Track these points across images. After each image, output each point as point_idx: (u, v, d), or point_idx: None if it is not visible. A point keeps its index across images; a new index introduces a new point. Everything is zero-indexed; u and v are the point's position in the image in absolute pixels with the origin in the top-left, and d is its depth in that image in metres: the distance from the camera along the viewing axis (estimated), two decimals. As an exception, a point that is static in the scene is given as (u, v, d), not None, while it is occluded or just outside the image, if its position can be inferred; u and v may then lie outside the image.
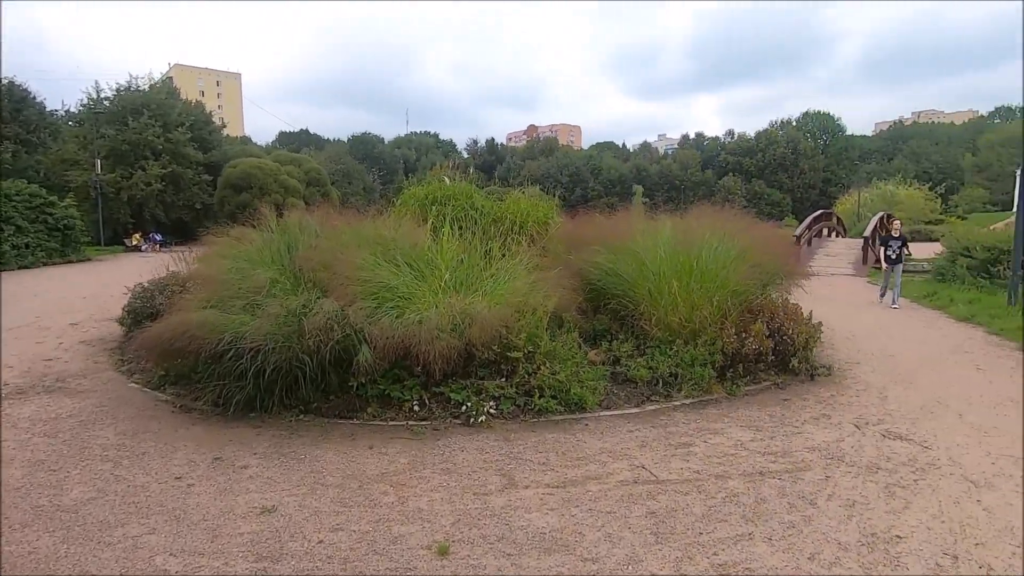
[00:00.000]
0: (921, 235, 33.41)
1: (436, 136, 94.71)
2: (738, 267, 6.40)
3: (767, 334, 6.22)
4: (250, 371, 5.07)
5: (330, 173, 51.10)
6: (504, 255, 7.11)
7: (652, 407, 5.61)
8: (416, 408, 5.31)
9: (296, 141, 78.92)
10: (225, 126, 52.31)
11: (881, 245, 13.04)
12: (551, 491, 3.80)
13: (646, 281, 6.56)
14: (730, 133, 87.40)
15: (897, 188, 46.84)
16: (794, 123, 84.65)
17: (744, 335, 6.06)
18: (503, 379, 5.52)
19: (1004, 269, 13.41)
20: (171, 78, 55.16)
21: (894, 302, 12.24)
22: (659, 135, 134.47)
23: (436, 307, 5.58)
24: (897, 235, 12.76)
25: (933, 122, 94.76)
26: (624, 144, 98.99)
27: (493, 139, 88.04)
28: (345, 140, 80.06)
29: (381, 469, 4.17)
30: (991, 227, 26.32)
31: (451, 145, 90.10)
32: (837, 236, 28.05)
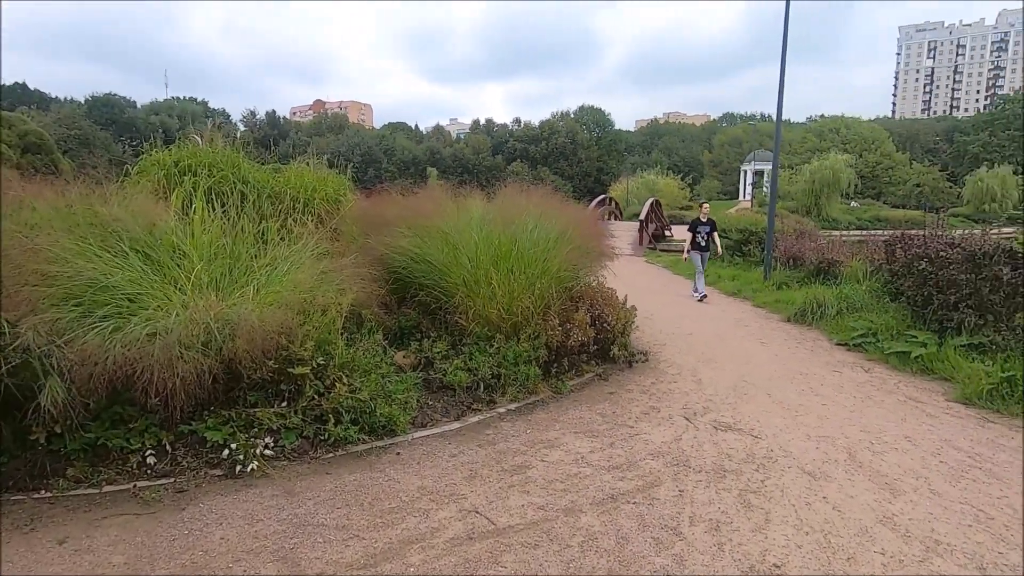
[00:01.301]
0: (676, 219, 38.29)
1: (204, 104, 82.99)
2: (560, 250, 5.83)
3: (589, 322, 5.77)
4: None
5: (61, 139, 41.39)
6: (284, 239, 5.65)
7: (475, 418, 4.75)
8: (151, 460, 3.71)
9: (9, 97, 62.63)
10: None
11: (689, 231, 11.53)
12: (356, 576, 2.68)
13: (460, 268, 5.66)
14: (517, 121, 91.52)
15: (657, 177, 53.25)
16: (572, 115, 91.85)
17: (569, 326, 5.51)
18: (284, 404, 4.16)
19: (753, 248, 15.44)
20: None
21: (696, 291, 11.13)
22: (451, 119, 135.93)
23: (182, 311, 3.99)
24: (705, 220, 11.36)
25: (679, 123, 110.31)
26: (417, 126, 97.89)
27: (275, 112, 79.87)
28: (82, 101, 65.88)
29: (74, 583, 2.62)
30: (729, 211, 31.02)
31: (224, 115, 79.62)
32: (615, 219, 30.57)
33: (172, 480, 3.55)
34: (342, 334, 4.66)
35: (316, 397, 4.18)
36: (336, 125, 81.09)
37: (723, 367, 6.34)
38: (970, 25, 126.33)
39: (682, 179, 55.59)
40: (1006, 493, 3.52)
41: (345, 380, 4.28)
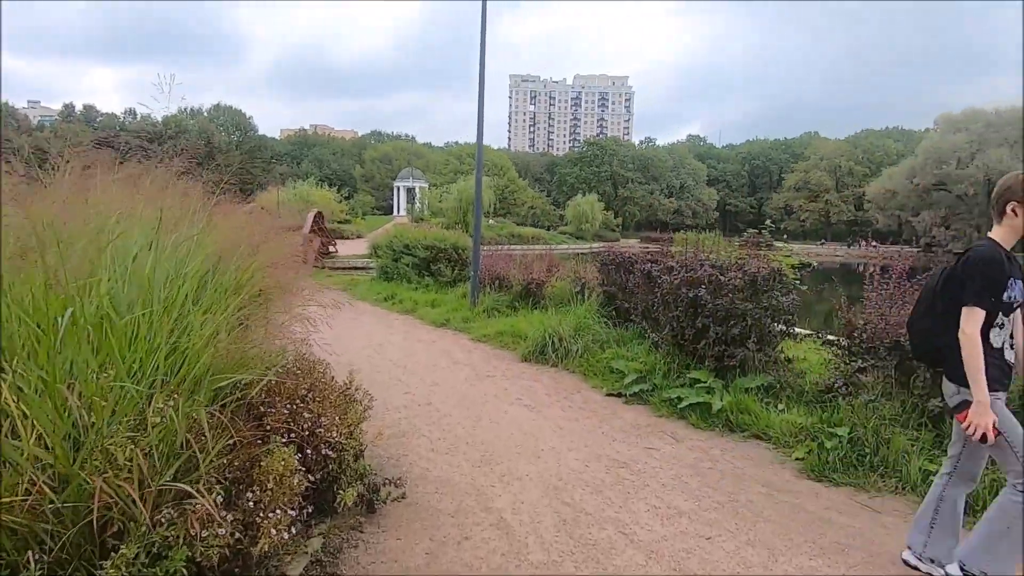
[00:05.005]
0: (335, 233, 35.28)
1: None
2: (220, 303, 2.49)
3: (297, 467, 2.60)
4: None
5: None
6: None
7: None
8: None
9: None
10: None
11: (975, 302, 2.51)
12: None
13: None
14: (131, 113, 74.76)
15: (312, 188, 49.38)
16: (206, 114, 79.86)
17: (251, 499, 2.26)
18: None
19: (444, 267, 13.82)
20: None
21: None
22: (30, 101, 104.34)
23: None
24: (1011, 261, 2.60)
25: (329, 135, 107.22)
26: (-35, 101, 71.03)
27: None
28: None
29: None
30: (387, 226, 29.53)
31: None
32: (270, 234, 26.00)
33: None
34: None
35: None
36: None
37: (518, 476, 3.92)
38: (557, 83, 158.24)
39: (338, 191, 53.11)
40: None
41: None
